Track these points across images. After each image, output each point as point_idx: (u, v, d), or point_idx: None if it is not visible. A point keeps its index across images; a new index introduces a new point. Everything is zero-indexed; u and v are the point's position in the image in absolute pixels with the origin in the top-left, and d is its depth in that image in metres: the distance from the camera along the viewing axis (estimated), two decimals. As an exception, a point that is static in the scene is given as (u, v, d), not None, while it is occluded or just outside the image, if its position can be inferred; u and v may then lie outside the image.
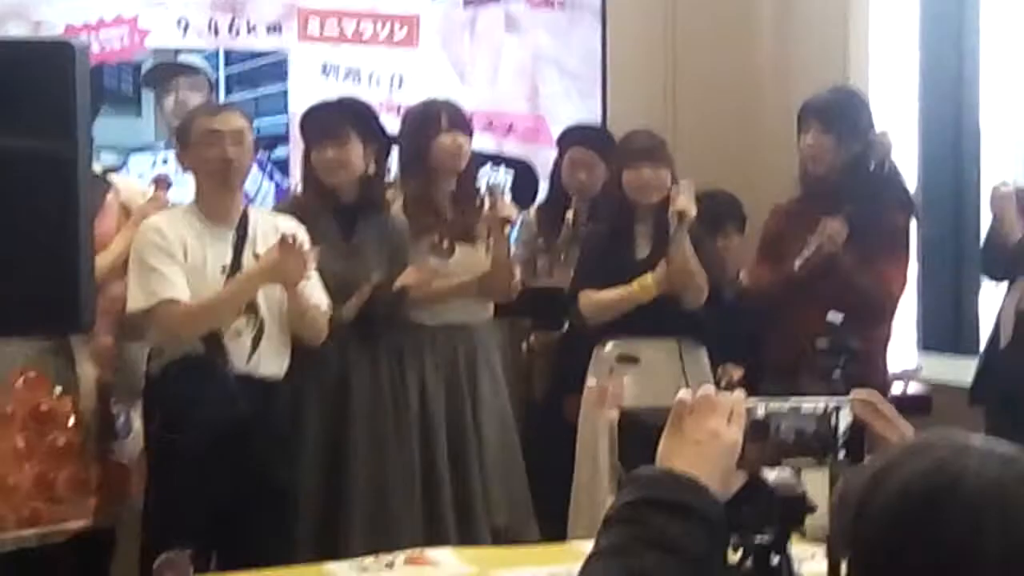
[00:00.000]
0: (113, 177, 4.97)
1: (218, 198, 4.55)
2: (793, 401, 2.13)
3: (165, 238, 4.44)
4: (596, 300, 5.03)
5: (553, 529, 5.03)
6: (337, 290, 4.73)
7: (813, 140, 5.12)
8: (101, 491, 4.54)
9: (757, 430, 2.07)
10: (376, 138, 5.03)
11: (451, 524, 4.95)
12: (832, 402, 2.13)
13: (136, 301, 4.41)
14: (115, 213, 4.77)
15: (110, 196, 4.84)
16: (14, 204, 3.51)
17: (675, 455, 1.96)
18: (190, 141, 4.56)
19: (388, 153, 5.20)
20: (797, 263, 4.99)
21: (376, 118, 5.14)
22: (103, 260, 4.51)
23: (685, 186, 4.90)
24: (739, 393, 2.04)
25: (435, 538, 4.74)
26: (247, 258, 4.52)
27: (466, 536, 4.81)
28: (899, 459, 1.70)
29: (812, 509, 2.53)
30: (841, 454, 2.10)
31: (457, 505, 5.00)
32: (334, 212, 4.91)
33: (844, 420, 2.11)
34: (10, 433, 4.38)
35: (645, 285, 4.93)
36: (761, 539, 2.37)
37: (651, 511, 1.87)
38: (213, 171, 4.52)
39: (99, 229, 4.71)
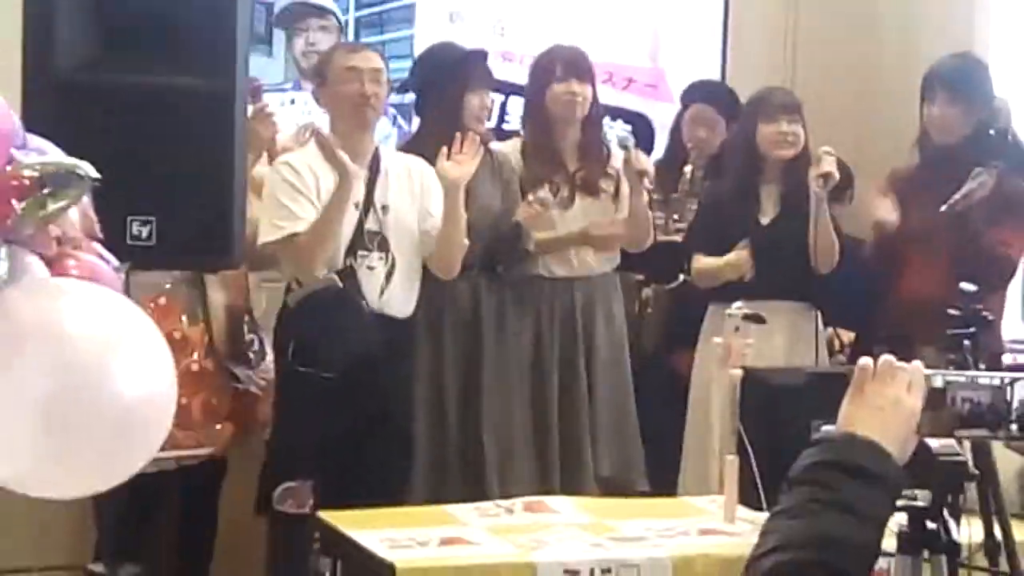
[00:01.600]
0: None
1: (353, 135, 4.63)
2: (970, 373, 2.18)
3: (299, 175, 4.53)
4: (702, 267, 5.08)
5: (655, 481, 5.11)
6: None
7: (940, 110, 5.12)
8: (231, 419, 4.64)
9: (934, 399, 2.12)
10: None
11: (556, 471, 5.01)
12: (1008, 376, 2.17)
13: (266, 234, 4.50)
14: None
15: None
16: (173, 141, 3.63)
17: (857, 420, 2.02)
18: (328, 78, 4.64)
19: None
20: (943, 207, 4.95)
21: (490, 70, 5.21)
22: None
23: (828, 150, 4.92)
24: (917, 362, 2.10)
25: (542, 483, 4.84)
26: (379, 195, 4.60)
27: (571, 484, 4.87)
28: None
29: (973, 477, 2.60)
30: (1014, 428, 2.15)
31: (564, 454, 5.06)
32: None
33: (1019, 394, 2.15)
34: None
35: (735, 264, 4.97)
36: (919, 503, 2.45)
37: (835, 473, 1.93)
38: (351, 107, 4.60)
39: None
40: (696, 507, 4.26)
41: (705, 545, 3.80)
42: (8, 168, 2.03)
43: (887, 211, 5.07)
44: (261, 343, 4.72)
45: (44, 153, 2.18)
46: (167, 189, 3.61)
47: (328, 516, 4.04)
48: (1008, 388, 2.15)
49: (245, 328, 4.69)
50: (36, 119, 3.48)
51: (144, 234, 3.58)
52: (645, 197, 5.08)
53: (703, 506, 4.23)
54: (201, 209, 3.64)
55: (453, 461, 4.91)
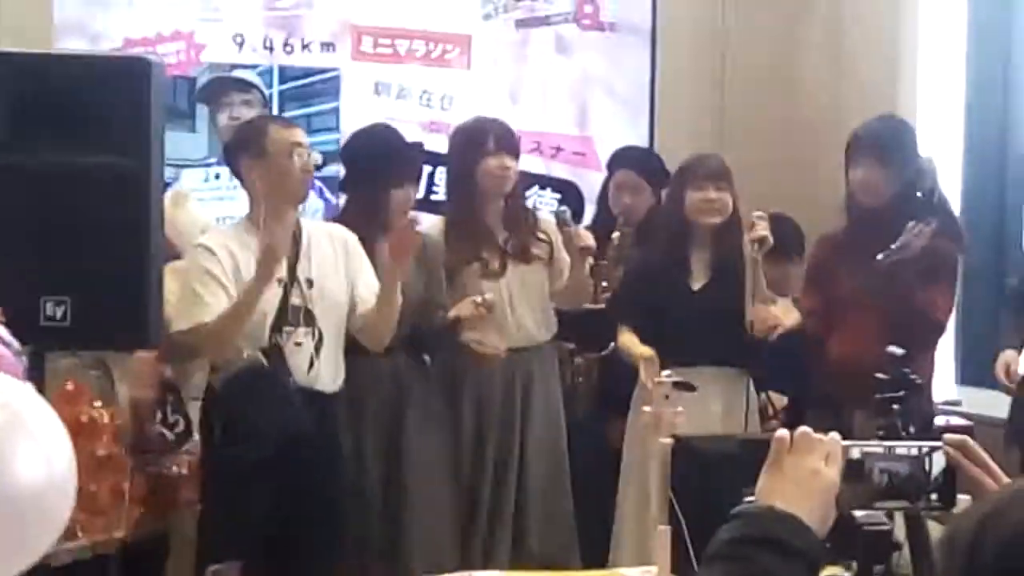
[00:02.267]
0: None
1: (283, 210, 4.54)
2: (887, 443, 2.14)
3: (215, 259, 4.43)
4: (623, 344, 5.03)
5: (587, 553, 5.05)
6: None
7: (865, 174, 5.11)
8: (145, 502, 4.56)
9: (853, 471, 2.08)
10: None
11: (480, 550, 4.98)
12: (926, 446, 2.14)
13: (178, 323, 4.40)
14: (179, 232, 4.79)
15: None
16: (87, 220, 3.59)
17: (776, 493, 1.97)
18: (267, 151, 4.53)
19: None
20: (880, 256, 4.93)
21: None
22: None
23: (760, 214, 4.91)
24: (835, 434, 2.06)
25: (468, 558, 4.78)
26: (303, 269, 4.54)
27: (496, 563, 4.82)
28: (1008, 501, 1.71)
29: (898, 547, 2.56)
30: (934, 498, 2.12)
31: (490, 532, 5.02)
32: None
33: (937, 464, 2.12)
34: None
35: (646, 361, 4.87)
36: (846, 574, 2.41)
37: (755, 548, 1.88)
38: (294, 183, 4.52)
39: None
40: (629, 578, 4.20)
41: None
42: None
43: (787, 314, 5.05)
44: (188, 423, 4.64)
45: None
46: (81, 269, 3.57)
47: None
48: (927, 458, 2.12)
49: (168, 409, 4.61)
50: (-53, 201, 3.48)
51: (58, 314, 3.53)
52: (586, 270, 5.07)
53: (637, 577, 4.17)
54: (116, 289, 3.60)
55: (379, 541, 4.84)
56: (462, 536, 4.98)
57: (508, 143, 5.13)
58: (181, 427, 4.63)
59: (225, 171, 5.63)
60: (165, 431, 4.61)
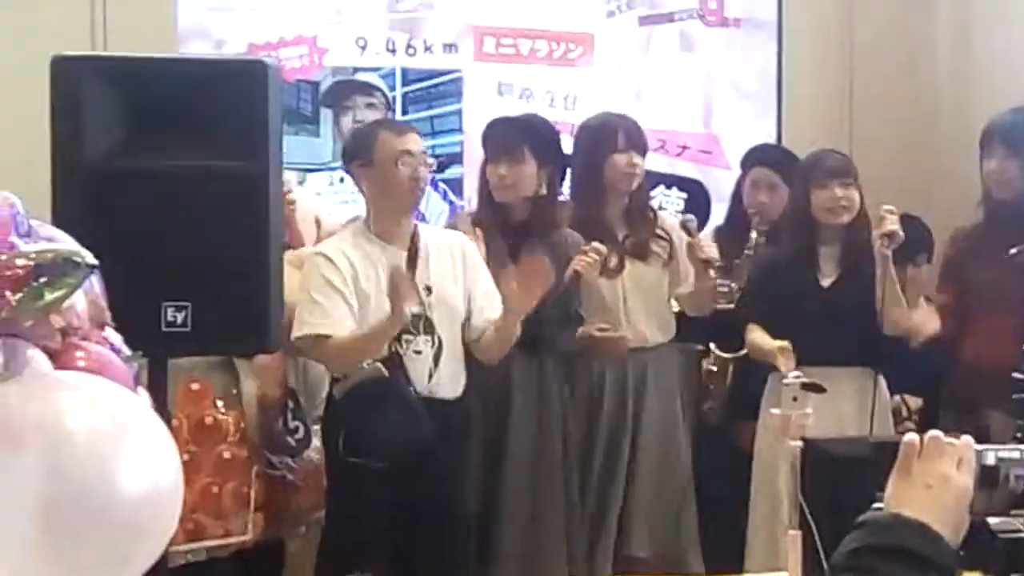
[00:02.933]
0: (295, 191, 4.97)
1: (395, 218, 4.53)
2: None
3: (334, 267, 4.41)
4: (753, 342, 4.96)
5: (719, 558, 4.96)
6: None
7: (998, 165, 4.98)
8: (263, 507, 4.56)
9: (988, 477, 1.99)
10: (552, 159, 4.99)
11: (582, 549, 4.91)
12: (1065, 451, 2.04)
13: (299, 328, 4.39)
14: (295, 228, 4.79)
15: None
16: (207, 224, 3.57)
17: (905, 500, 1.89)
18: (376, 159, 4.53)
19: (564, 174, 5.17)
20: (1012, 251, 4.80)
21: (556, 138, 5.10)
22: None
23: (890, 209, 4.81)
24: (967, 438, 1.97)
25: (581, 563, 4.71)
26: (421, 276, 4.51)
27: (596, 566, 4.78)
28: None
29: (1037, 557, 2.45)
30: (1073, 505, 2.02)
31: (591, 530, 4.95)
32: (504, 230, 4.88)
33: None
34: (176, 445, 4.39)
35: (781, 353, 4.78)
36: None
37: (881, 559, 1.81)
38: (403, 192, 4.49)
39: None
40: (763, 585, 4.13)
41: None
42: (2, 258, 1.95)
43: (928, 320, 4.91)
44: (307, 430, 4.63)
45: (52, 241, 2.09)
46: (201, 274, 3.55)
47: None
48: None
49: (288, 415, 4.59)
50: (66, 208, 3.49)
51: (179, 320, 3.53)
52: (710, 282, 5.01)
53: (768, 582, 4.09)
54: (236, 293, 3.58)
55: (502, 548, 4.79)
56: (567, 542, 4.91)
57: (637, 140, 5.08)
58: (301, 433, 4.61)
59: (350, 173, 5.68)
60: (288, 436, 4.60)
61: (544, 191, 4.92)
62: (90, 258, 2.03)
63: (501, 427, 4.84)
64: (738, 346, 5.22)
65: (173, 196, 3.56)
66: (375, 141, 4.54)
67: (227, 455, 4.49)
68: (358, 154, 4.59)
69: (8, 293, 1.91)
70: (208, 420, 4.50)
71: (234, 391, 4.55)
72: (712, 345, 5.43)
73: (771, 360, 4.77)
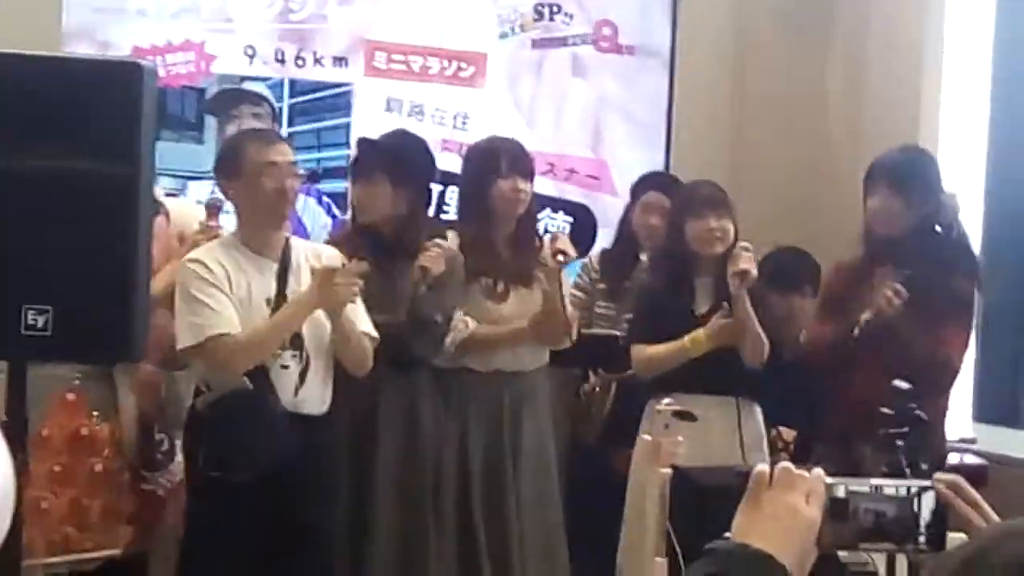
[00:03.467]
0: (168, 201, 4.89)
1: (266, 230, 4.48)
2: (875, 482, 2.03)
3: (210, 271, 4.35)
4: (648, 354, 4.95)
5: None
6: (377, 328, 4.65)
7: (881, 203, 5.00)
8: (134, 521, 4.48)
9: (837, 510, 1.97)
10: (413, 179, 4.95)
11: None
12: (915, 485, 2.02)
13: (186, 338, 4.31)
14: (166, 238, 4.69)
15: (159, 220, 4.76)
16: (74, 227, 3.49)
17: (752, 530, 1.86)
18: (243, 171, 4.46)
19: (428, 194, 5.13)
20: (856, 330, 4.86)
21: (423, 158, 5.07)
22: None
23: (746, 246, 4.82)
24: (818, 471, 1.95)
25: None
26: (291, 288, 4.45)
27: None
28: (993, 543, 1.61)
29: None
30: (922, 540, 2.00)
31: (493, 561, 4.90)
32: (372, 249, 4.81)
33: (927, 505, 2.00)
34: (46, 456, 4.32)
35: (696, 340, 4.86)
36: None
37: (725, 589, 1.78)
38: (269, 203, 4.44)
39: None
40: (627, 612, 4.10)
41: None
42: None
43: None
44: (172, 444, 4.56)
45: None
46: (66, 278, 3.47)
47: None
48: (915, 499, 2.00)
49: (155, 428, 4.52)
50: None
51: (40, 324, 3.43)
52: (558, 285, 4.93)
53: (635, 611, 4.07)
54: (101, 299, 3.50)
55: (367, 568, 4.73)
56: (460, 566, 4.86)
57: (522, 165, 5.04)
58: (166, 446, 4.54)
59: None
60: (154, 450, 4.52)
61: (403, 211, 4.87)
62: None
63: (369, 444, 4.78)
64: (622, 370, 5.21)
65: (40, 197, 3.48)
66: (242, 152, 4.49)
67: (99, 468, 4.41)
68: (226, 165, 4.55)
69: None
70: (83, 432, 4.42)
71: (109, 404, 4.47)
72: (591, 371, 5.43)
73: (690, 352, 4.78)
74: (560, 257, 4.82)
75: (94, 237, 3.50)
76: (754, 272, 4.81)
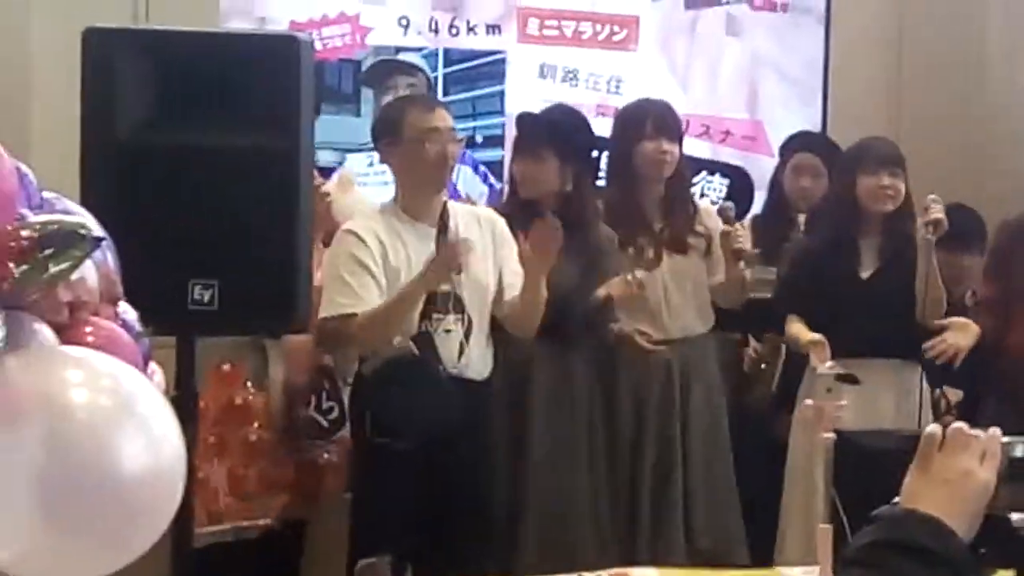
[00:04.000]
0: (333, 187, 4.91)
1: (426, 196, 4.49)
2: None
3: (364, 246, 4.38)
4: (790, 333, 4.89)
5: (754, 550, 4.91)
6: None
7: None
8: (291, 490, 4.53)
9: (1015, 470, 1.92)
10: (578, 154, 4.94)
11: (646, 547, 4.83)
12: (1096, 440, 1.97)
13: (326, 308, 4.35)
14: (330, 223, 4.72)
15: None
16: (237, 201, 3.54)
17: (921, 495, 1.83)
18: (404, 137, 4.48)
19: (596, 168, 5.12)
20: None
21: (585, 132, 5.05)
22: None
23: (935, 198, 4.74)
24: (995, 430, 1.91)
25: (631, 557, 4.65)
26: None
27: (663, 557, 4.66)
28: None
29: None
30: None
31: (655, 528, 4.89)
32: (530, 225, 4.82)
33: None
34: (203, 427, 4.40)
35: (808, 344, 4.75)
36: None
37: (890, 553, 1.75)
38: (432, 169, 4.45)
39: None
40: (790, 577, 4.07)
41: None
42: (8, 228, 1.91)
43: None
44: (342, 410, 4.59)
45: (62, 213, 2.06)
46: (230, 252, 3.52)
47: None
48: None
49: (324, 395, 4.56)
50: (95, 182, 3.47)
51: (206, 298, 3.49)
52: (739, 272, 4.94)
53: (798, 576, 4.03)
54: (265, 272, 3.55)
55: (533, 536, 4.74)
56: (627, 533, 4.85)
57: (668, 126, 5.01)
58: (335, 414, 4.58)
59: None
60: (319, 417, 4.57)
61: (569, 187, 4.86)
62: (97, 231, 2.00)
63: (524, 411, 4.78)
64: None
65: (203, 172, 3.53)
66: (403, 118, 4.51)
67: (253, 438, 4.49)
68: (386, 132, 4.57)
69: (11, 265, 1.88)
70: (238, 401, 4.50)
71: (263, 374, 4.54)
72: (751, 336, 5.38)
73: (806, 353, 4.71)
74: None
75: (257, 211, 3.55)
76: (946, 223, 4.72)
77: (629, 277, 4.78)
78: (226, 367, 4.47)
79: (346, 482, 4.60)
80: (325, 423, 4.55)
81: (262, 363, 4.56)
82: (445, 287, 4.40)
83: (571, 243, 4.65)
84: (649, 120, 5.00)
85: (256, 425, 4.48)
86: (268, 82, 3.56)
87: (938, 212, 4.72)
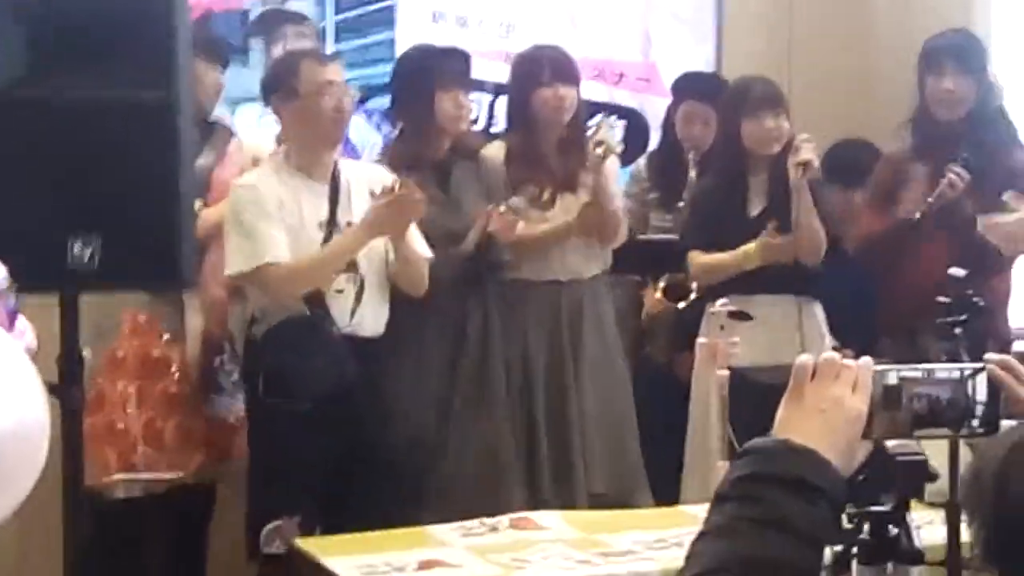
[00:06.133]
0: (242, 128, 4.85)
1: (318, 152, 4.44)
2: (926, 366, 1.97)
3: (261, 196, 4.32)
4: (702, 263, 4.90)
5: (663, 491, 4.91)
6: (439, 242, 4.64)
7: (952, 84, 4.91)
8: (205, 446, 4.50)
9: (888, 398, 1.91)
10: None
11: (548, 487, 4.83)
12: (968, 368, 1.96)
13: (235, 264, 4.29)
14: (239, 164, 4.65)
15: (233, 146, 4.72)
16: (115, 156, 3.47)
17: (794, 425, 1.82)
18: (298, 92, 4.41)
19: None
20: (917, 213, 4.80)
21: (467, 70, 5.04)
22: (218, 212, 4.43)
23: (807, 137, 4.74)
24: (866, 359, 1.90)
25: (533, 501, 4.64)
26: (342, 213, 4.41)
27: (565, 501, 4.67)
28: None
29: (934, 477, 2.40)
30: (976, 423, 1.94)
31: (554, 473, 4.88)
32: (429, 164, 4.79)
33: (981, 387, 1.94)
34: (121, 376, 4.36)
35: (748, 254, 4.80)
36: (879, 508, 2.26)
37: (766, 487, 1.74)
38: (327, 123, 4.39)
39: (219, 178, 4.64)
40: (692, 516, 4.06)
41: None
42: None
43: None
44: (240, 371, 4.56)
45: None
46: (110, 208, 3.45)
47: (306, 545, 3.92)
48: (969, 381, 1.95)
49: (224, 357, 4.51)
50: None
51: (86, 255, 3.42)
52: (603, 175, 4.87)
53: (700, 515, 4.02)
54: (146, 228, 3.48)
55: (436, 485, 4.72)
56: (526, 479, 4.85)
57: (564, 72, 4.99)
58: (236, 376, 4.54)
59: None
60: (224, 378, 4.52)
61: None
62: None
63: (420, 362, 4.77)
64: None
65: (79, 127, 3.46)
66: (297, 71, 4.44)
67: (172, 390, 4.45)
68: (279, 85, 4.49)
69: None
70: (155, 353, 4.46)
71: (179, 327, 4.48)
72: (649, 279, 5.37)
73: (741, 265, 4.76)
74: (600, 149, 4.75)
75: (136, 167, 3.48)
76: (816, 163, 4.73)
77: (502, 208, 4.75)
78: (142, 317, 4.41)
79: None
80: (227, 385, 4.51)
81: (176, 314, 4.49)
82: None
83: (466, 178, 4.77)
84: (547, 66, 4.98)
85: (176, 377, 4.43)
86: (143, 33, 3.49)
87: (808, 153, 4.73)
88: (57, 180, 3.42)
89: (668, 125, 5.59)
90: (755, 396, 4.06)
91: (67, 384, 3.20)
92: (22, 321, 2.25)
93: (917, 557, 2.30)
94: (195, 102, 4.25)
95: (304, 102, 4.38)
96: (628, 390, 5.04)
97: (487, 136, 5.44)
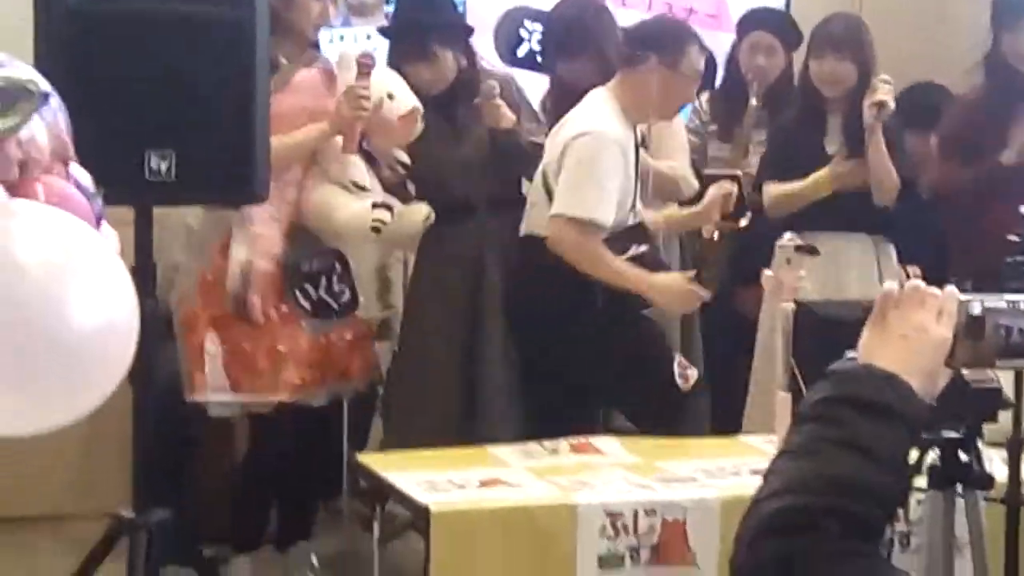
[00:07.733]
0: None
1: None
2: (1010, 297, 1.97)
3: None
4: (776, 193, 4.88)
5: (725, 424, 4.92)
6: (453, 174, 4.69)
7: None
8: (313, 368, 4.49)
9: (972, 328, 1.92)
10: (461, 40, 4.85)
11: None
12: (1051, 300, 1.97)
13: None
14: (316, 93, 4.51)
15: (312, 73, 4.54)
16: (193, 71, 3.49)
17: (877, 350, 1.82)
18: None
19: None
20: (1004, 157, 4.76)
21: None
22: (287, 140, 4.29)
23: (885, 78, 4.71)
24: (951, 288, 1.90)
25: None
26: None
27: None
28: None
29: (1008, 404, 2.41)
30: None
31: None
32: (432, 105, 4.71)
33: None
34: (212, 301, 4.34)
35: (820, 180, 4.78)
36: (951, 434, 2.27)
37: (847, 409, 1.74)
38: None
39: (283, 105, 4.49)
40: (752, 447, 4.11)
41: (755, 486, 3.63)
42: (-48, 85, 1.88)
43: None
44: (353, 294, 4.56)
45: (4, 67, 2.01)
46: (187, 122, 3.48)
47: (368, 459, 3.98)
48: None
49: (335, 278, 4.52)
50: (48, 49, 3.41)
51: (163, 168, 3.45)
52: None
53: (759, 446, 4.07)
54: (223, 143, 3.51)
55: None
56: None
57: None
58: (347, 297, 4.54)
59: (351, 32, 5.56)
60: (330, 300, 4.52)
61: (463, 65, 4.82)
62: (45, 85, 1.96)
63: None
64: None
65: (158, 41, 3.47)
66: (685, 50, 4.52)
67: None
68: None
69: (-43, 121, 1.84)
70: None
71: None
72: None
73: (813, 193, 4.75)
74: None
75: (213, 82, 3.50)
76: (891, 104, 4.70)
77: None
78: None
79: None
80: (336, 306, 4.51)
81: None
82: None
83: (471, 110, 4.72)
84: None
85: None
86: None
87: (884, 94, 4.69)
88: (136, 93, 3.44)
89: (732, 61, 5.56)
90: (820, 329, 4.09)
91: (141, 295, 3.22)
92: (106, 227, 2.27)
93: (988, 482, 2.32)
94: (297, 26, 4.39)
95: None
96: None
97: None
